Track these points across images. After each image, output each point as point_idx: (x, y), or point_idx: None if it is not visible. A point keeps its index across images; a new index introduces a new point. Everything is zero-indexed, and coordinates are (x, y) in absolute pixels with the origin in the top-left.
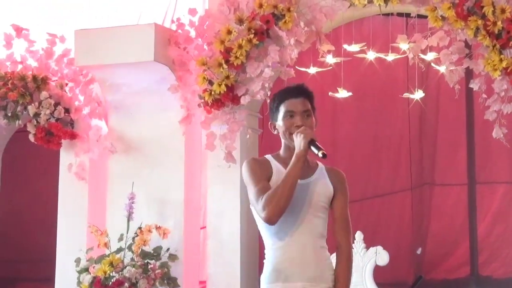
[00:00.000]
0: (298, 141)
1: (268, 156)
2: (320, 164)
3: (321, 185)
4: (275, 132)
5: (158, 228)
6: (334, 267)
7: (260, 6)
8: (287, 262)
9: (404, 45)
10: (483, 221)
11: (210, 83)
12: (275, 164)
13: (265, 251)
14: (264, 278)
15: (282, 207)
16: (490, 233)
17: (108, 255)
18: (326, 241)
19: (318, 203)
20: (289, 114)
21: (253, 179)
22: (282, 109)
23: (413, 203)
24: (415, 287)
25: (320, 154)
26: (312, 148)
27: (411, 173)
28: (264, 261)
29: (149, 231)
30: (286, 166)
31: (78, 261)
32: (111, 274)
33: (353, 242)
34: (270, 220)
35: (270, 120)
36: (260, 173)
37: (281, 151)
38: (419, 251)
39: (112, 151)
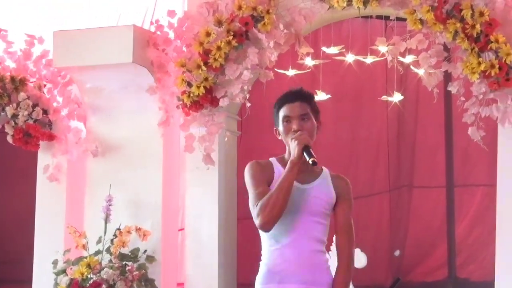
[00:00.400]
0: (293, 147)
1: (272, 159)
2: (325, 170)
3: (322, 191)
4: (279, 137)
5: (138, 229)
6: (332, 272)
7: (239, 8)
8: (283, 264)
9: (383, 48)
10: (461, 224)
11: (189, 85)
12: (277, 167)
13: (262, 252)
14: (259, 279)
15: (275, 215)
16: (468, 235)
17: (86, 257)
18: (327, 246)
19: (318, 209)
20: (286, 119)
21: (252, 183)
22: (281, 114)
23: (391, 206)
24: None
25: (310, 162)
26: (304, 154)
27: (389, 175)
28: (260, 262)
29: (129, 232)
30: None
31: (55, 262)
32: (89, 276)
33: (354, 248)
34: (264, 228)
35: (274, 126)
36: (260, 177)
37: (286, 154)
38: (397, 253)
39: (95, 154)
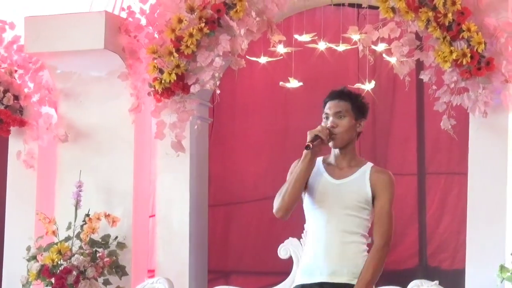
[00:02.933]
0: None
1: (319, 158)
2: (367, 165)
3: (357, 185)
4: None
5: (107, 216)
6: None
7: None
8: (313, 258)
9: (355, 36)
10: (432, 212)
11: (161, 71)
12: (318, 165)
13: None
14: (297, 273)
15: (286, 202)
16: (438, 224)
17: (56, 243)
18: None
19: (350, 202)
20: (325, 116)
21: (287, 179)
22: (324, 111)
23: None
24: None
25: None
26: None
27: None
28: None
29: (98, 219)
30: (329, 166)
31: (28, 249)
32: (59, 262)
33: (387, 239)
34: (277, 214)
35: None
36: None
37: (331, 154)
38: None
39: (64, 140)
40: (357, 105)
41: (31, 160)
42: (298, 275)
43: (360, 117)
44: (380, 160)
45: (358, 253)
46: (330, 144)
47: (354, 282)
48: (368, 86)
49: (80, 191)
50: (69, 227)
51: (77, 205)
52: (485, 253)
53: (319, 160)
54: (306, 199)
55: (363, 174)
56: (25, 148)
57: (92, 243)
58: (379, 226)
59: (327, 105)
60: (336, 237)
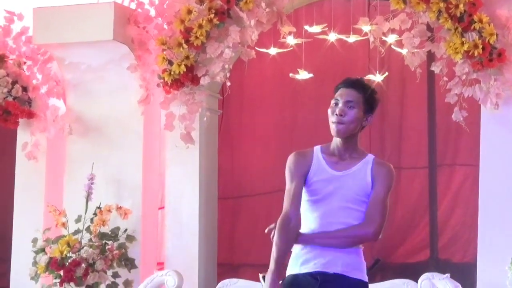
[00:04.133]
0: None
1: (316, 147)
2: (368, 157)
3: (357, 177)
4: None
5: (119, 208)
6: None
7: None
8: (308, 248)
9: (366, 27)
10: (444, 205)
11: (170, 63)
12: (317, 157)
13: None
14: (290, 263)
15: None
16: (450, 216)
17: (66, 236)
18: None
19: (349, 194)
20: (335, 103)
21: (287, 177)
22: (334, 96)
23: None
24: (373, 270)
25: None
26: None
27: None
28: None
29: (109, 211)
30: (330, 158)
31: (35, 241)
32: (68, 255)
33: (380, 232)
34: None
35: None
36: (294, 171)
37: (332, 142)
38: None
39: (68, 133)
40: (369, 98)
41: (36, 151)
42: (290, 265)
43: (369, 112)
44: (392, 154)
45: (358, 247)
46: (333, 132)
47: (348, 274)
48: (378, 78)
49: (92, 183)
50: (78, 220)
51: (88, 198)
52: (497, 246)
53: (318, 150)
54: (305, 190)
55: (365, 165)
56: (31, 140)
57: (102, 235)
58: (370, 212)
59: (339, 91)
60: (333, 229)
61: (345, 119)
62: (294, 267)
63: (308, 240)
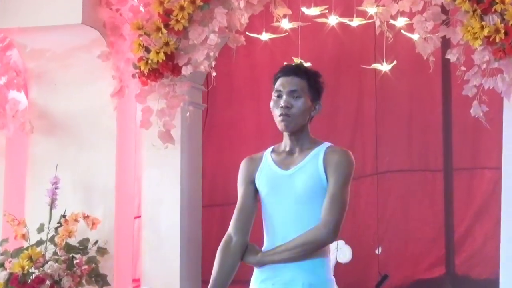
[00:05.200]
0: None
1: (269, 149)
2: (320, 147)
3: (309, 171)
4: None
5: (86, 217)
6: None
7: None
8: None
9: (371, 9)
10: (461, 213)
11: (147, 50)
12: (266, 160)
13: None
14: (251, 280)
15: None
16: (469, 227)
17: (27, 248)
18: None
19: (304, 193)
20: (277, 95)
21: (238, 187)
22: (274, 87)
23: (379, 193)
24: (380, 287)
25: None
26: None
27: (377, 156)
28: None
29: (75, 220)
30: (279, 156)
31: None
32: (30, 270)
33: (336, 232)
34: None
35: None
36: (241, 179)
37: (282, 143)
38: (378, 251)
39: (29, 131)
40: (314, 84)
41: None
42: (251, 284)
43: (316, 98)
44: (402, 155)
45: (316, 256)
46: (281, 128)
47: None
48: (385, 67)
49: (55, 188)
50: (41, 230)
51: (52, 205)
52: None
53: (268, 150)
54: (260, 197)
55: (316, 156)
56: None
57: (69, 248)
58: (323, 210)
59: (279, 81)
60: (286, 233)
61: (292, 111)
62: (254, 284)
63: (259, 261)
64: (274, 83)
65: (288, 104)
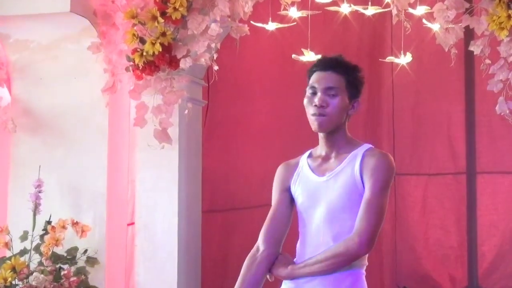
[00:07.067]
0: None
1: (305, 154)
2: (358, 150)
3: (345, 177)
4: None
5: (74, 224)
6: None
7: None
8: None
9: None
10: (485, 221)
11: (142, 41)
12: (302, 163)
13: None
14: None
15: None
16: (493, 235)
17: (10, 258)
18: None
19: (340, 201)
20: (312, 92)
21: (272, 195)
22: (309, 82)
23: (396, 197)
24: None
25: None
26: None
27: (394, 158)
28: None
29: (63, 227)
30: (315, 161)
31: None
32: (14, 282)
33: (371, 242)
34: None
35: None
36: (275, 187)
37: (319, 147)
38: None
39: (11, 130)
40: (353, 80)
41: None
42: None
43: (355, 96)
44: (420, 156)
45: (348, 268)
46: (314, 128)
47: None
48: (403, 61)
49: (39, 192)
50: (25, 238)
51: (35, 210)
52: None
53: (305, 155)
54: (296, 206)
55: (353, 161)
56: None
57: (55, 258)
58: (358, 219)
59: (314, 76)
60: (318, 244)
61: (327, 110)
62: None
63: (288, 273)
64: (309, 77)
65: (323, 102)
